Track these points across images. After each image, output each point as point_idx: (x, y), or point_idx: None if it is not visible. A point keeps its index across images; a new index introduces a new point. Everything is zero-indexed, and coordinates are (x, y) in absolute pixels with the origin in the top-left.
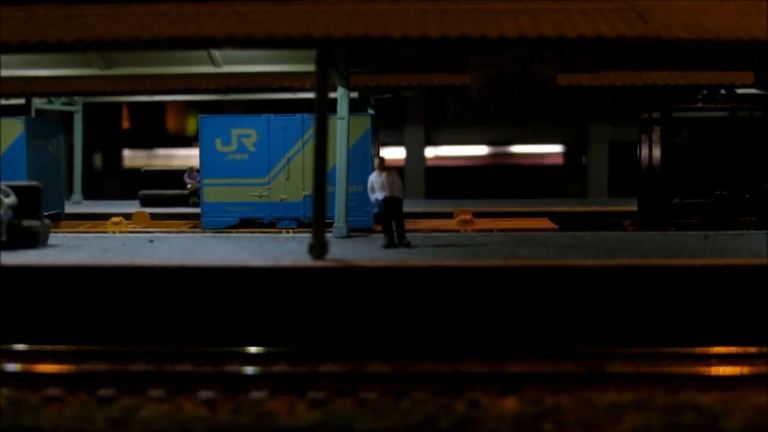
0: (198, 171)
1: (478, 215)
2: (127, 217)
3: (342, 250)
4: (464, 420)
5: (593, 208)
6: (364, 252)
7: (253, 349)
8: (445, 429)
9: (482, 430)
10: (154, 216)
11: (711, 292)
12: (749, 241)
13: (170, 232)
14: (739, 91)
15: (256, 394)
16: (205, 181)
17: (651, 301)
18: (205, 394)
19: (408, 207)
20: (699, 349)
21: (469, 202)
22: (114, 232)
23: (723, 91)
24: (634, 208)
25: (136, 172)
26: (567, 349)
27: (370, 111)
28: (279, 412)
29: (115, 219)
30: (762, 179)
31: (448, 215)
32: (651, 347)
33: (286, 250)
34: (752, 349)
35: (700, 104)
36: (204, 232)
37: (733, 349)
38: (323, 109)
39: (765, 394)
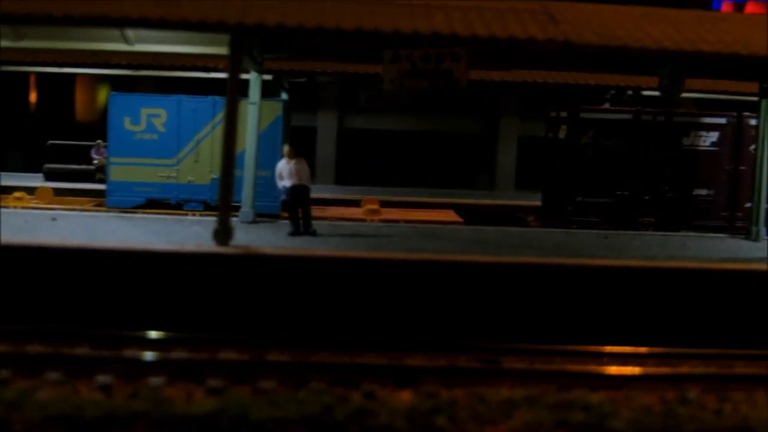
0: (106, 147)
1: (385, 204)
2: (30, 191)
3: (247, 236)
4: (360, 411)
5: (499, 202)
6: (270, 239)
7: (152, 334)
8: (340, 420)
9: (377, 422)
10: (58, 191)
11: (608, 291)
12: (646, 241)
13: (74, 209)
14: (645, 94)
15: (154, 380)
16: (113, 159)
17: (549, 299)
18: (103, 378)
19: (317, 193)
20: (592, 348)
21: (378, 189)
22: (16, 208)
23: (630, 93)
24: (539, 203)
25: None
26: (464, 344)
27: (284, 95)
28: (176, 398)
29: (17, 194)
30: (661, 182)
31: (356, 203)
32: (546, 344)
33: (191, 233)
34: (643, 349)
35: (606, 106)
36: (109, 211)
37: (624, 349)
38: (234, 93)
39: (653, 394)
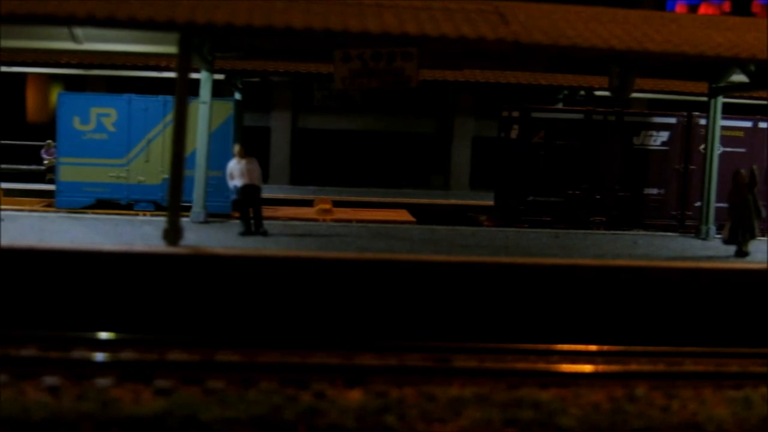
0: (56, 147)
1: (338, 204)
2: None
3: (197, 236)
4: (309, 411)
5: (453, 202)
6: (220, 239)
7: (101, 335)
8: (290, 420)
9: (326, 421)
10: (7, 192)
11: (557, 289)
12: (597, 240)
13: (23, 210)
14: (597, 94)
15: (102, 381)
16: (62, 159)
17: (498, 297)
18: (50, 379)
19: (271, 193)
20: (542, 346)
21: (332, 189)
22: None
23: (582, 93)
24: (492, 203)
25: None
26: (415, 343)
27: (237, 95)
28: (124, 399)
29: None
30: (612, 181)
31: (309, 203)
32: (497, 343)
33: (141, 234)
34: (592, 347)
35: (557, 106)
36: (58, 211)
37: (574, 347)
38: (184, 92)
39: (601, 391)
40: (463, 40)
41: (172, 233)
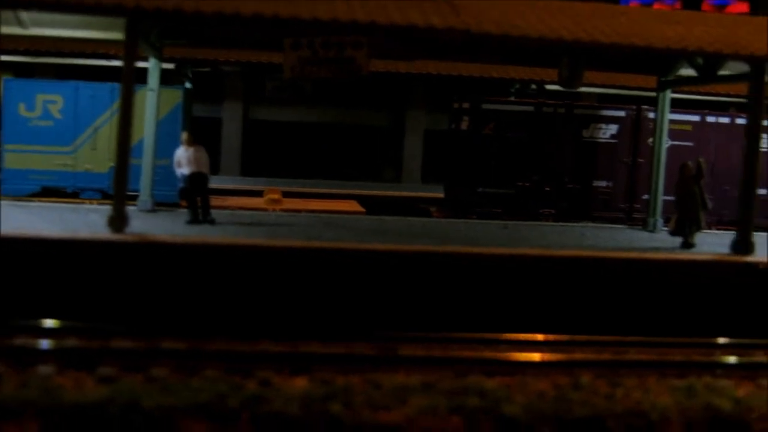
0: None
1: (288, 195)
2: None
3: (144, 224)
4: (254, 398)
5: (403, 194)
6: (167, 227)
7: (44, 323)
8: (234, 407)
9: (271, 408)
10: None
11: (503, 279)
12: (545, 232)
13: None
14: (549, 88)
15: (45, 369)
16: (7, 146)
17: (444, 286)
18: None
19: (221, 183)
20: (488, 335)
21: (284, 181)
22: None
23: (534, 87)
24: (442, 195)
25: None
26: (362, 332)
27: (187, 84)
28: (66, 387)
29: None
30: (561, 173)
31: (260, 194)
32: (443, 332)
33: (87, 221)
34: (539, 337)
35: (508, 98)
36: (3, 199)
37: (520, 336)
38: (130, 79)
39: (546, 380)
40: (413, 28)
41: (118, 221)
